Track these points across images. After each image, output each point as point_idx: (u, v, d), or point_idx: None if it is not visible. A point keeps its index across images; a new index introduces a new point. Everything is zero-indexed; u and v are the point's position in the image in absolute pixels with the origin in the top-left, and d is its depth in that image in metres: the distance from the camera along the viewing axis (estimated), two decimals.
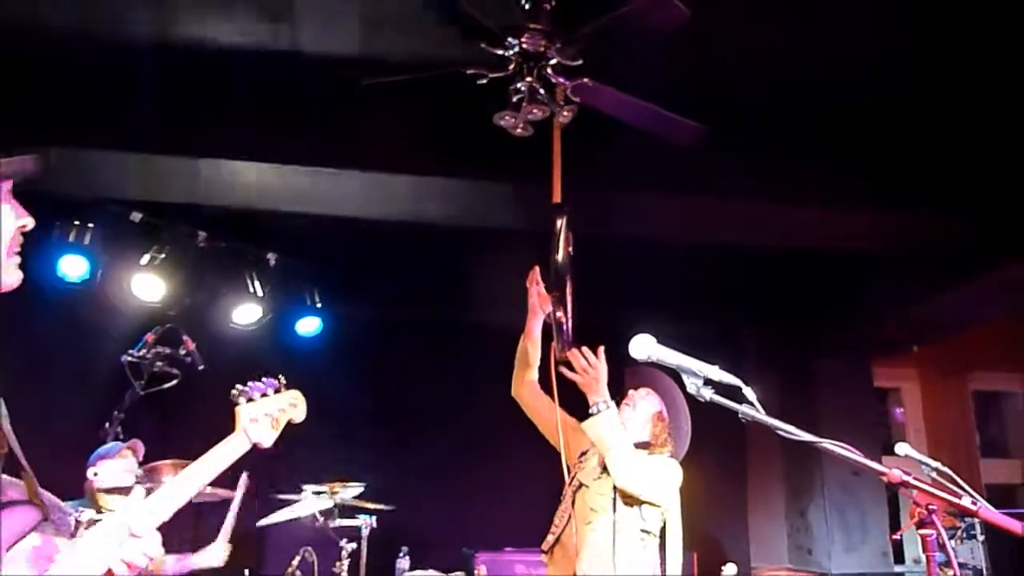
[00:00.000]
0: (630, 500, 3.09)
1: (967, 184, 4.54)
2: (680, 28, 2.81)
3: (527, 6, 3.07)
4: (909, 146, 4.45)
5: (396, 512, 5.32)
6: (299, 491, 4.37)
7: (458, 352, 6.15)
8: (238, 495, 3.98)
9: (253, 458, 1.95)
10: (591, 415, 2.96)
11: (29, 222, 1.42)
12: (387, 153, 4.17)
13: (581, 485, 3.27)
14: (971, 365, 7.74)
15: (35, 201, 1.52)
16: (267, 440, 1.93)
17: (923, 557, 1.50)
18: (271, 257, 5.65)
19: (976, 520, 5.43)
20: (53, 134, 3.90)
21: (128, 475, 2.85)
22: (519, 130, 3.20)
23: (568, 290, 2.97)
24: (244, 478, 3.96)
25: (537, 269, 3.16)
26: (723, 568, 4.54)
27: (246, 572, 4.67)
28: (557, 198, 3.17)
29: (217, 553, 3.96)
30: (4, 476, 1.45)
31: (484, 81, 3.18)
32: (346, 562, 4.90)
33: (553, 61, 3.10)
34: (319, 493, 4.32)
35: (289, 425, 2.02)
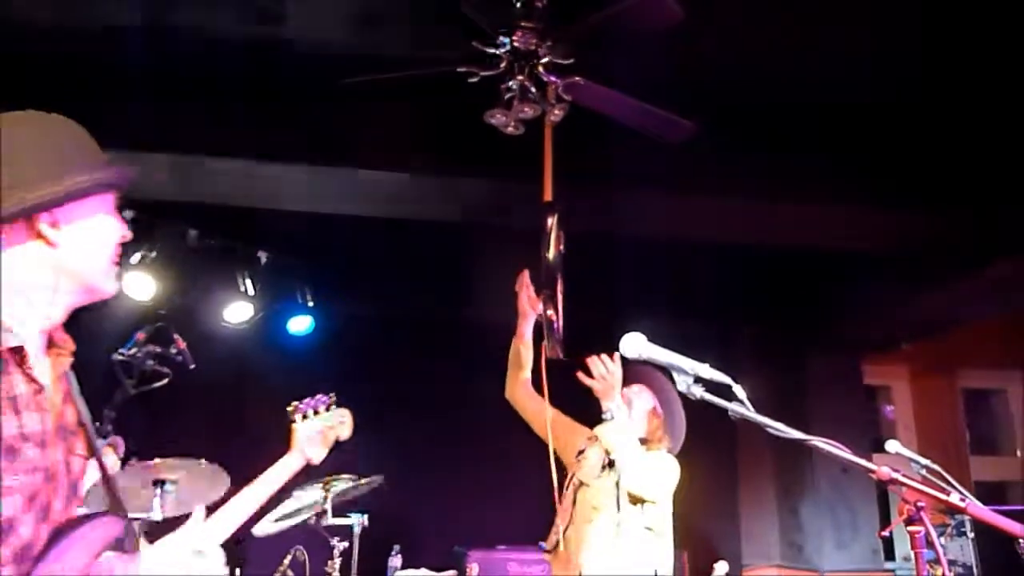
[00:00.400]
0: (634, 498, 3.12)
1: (958, 184, 4.56)
2: (673, 26, 2.82)
3: (518, 4, 3.07)
4: (901, 146, 4.47)
5: (388, 511, 5.31)
6: (289, 495, 4.36)
7: (450, 350, 6.15)
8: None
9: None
10: (604, 420, 3.02)
11: (128, 234, 1.44)
12: (378, 151, 4.16)
13: (581, 484, 3.29)
14: (961, 363, 7.79)
15: None
16: (318, 457, 1.98)
17: (912, 554, 1.51)
18: (262, 255, 5.63)
19: (966, 517, 5.46)
20: None
21: None
22: (510, 128, 3.20)
23: (559, 288, 2.97)
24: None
25: (527, 272, 3.15)
26: (715, 565, 4.54)
27: (237, 571, 4.66)
28: (548, 196, 3.17)
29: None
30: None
31: (475, 79, 3.17)
32: (338, 561, 4.89)
33: (545, 59, 3.10)
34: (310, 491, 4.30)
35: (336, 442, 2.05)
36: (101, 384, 4.09)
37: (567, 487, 3.35)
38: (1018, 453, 8.07)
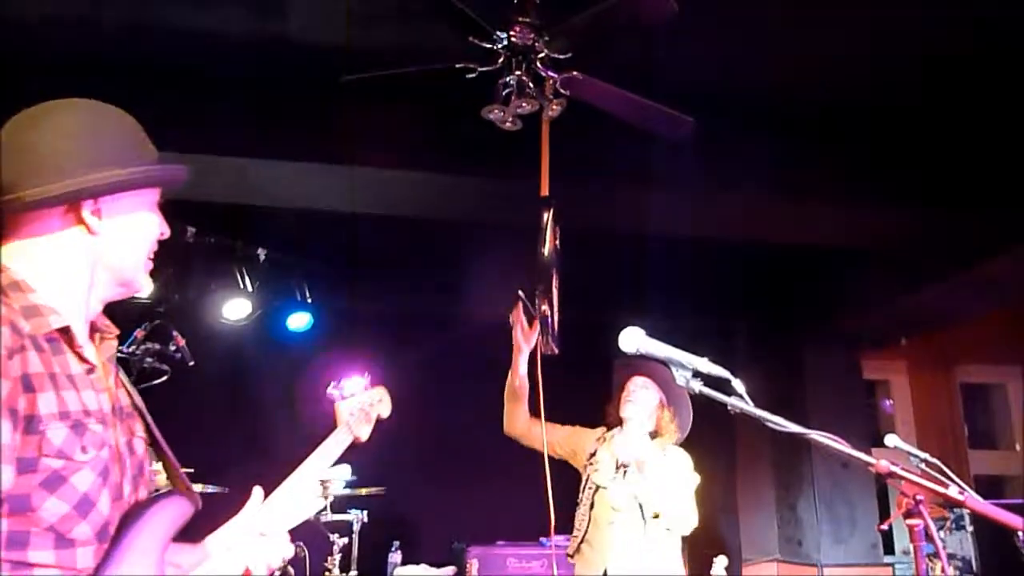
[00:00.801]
0: (656, 499, 3.25)
1: (957, 181, 4.56)
2: (670, 20, 2.81)
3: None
4: (899, 143, 4.47)
5: (388, 507, 5.32)
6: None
7: (449, 346, 6.15)
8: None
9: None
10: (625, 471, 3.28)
11: (167, 232, 1.43)
12: (376, 147, 4.16)
13: (598, 487, 3.33)
14: (959, 358, 7.80)
15: None
16: (364, 434, 2.00)
17: (913, 556, 1.51)
18: (261, 252, 5.63)
19: (965, 511, 5.47)
20: None
21: None
22: (508, 124, 3.19)
23: (554, 284, 2.97)
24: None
25: (520, 306, 3.17)
26: (714, 560, 4.54)
27: None
28: (545, 192, 3.17)
29: None
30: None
31: (473, 75, 3.17)
32: (337, 557, 4.90)
33: (542, 54, 3.09)
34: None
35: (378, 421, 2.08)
36: None
37: (583, 490, 3.39)
38: (1017, 447, 8.08)
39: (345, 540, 4.94)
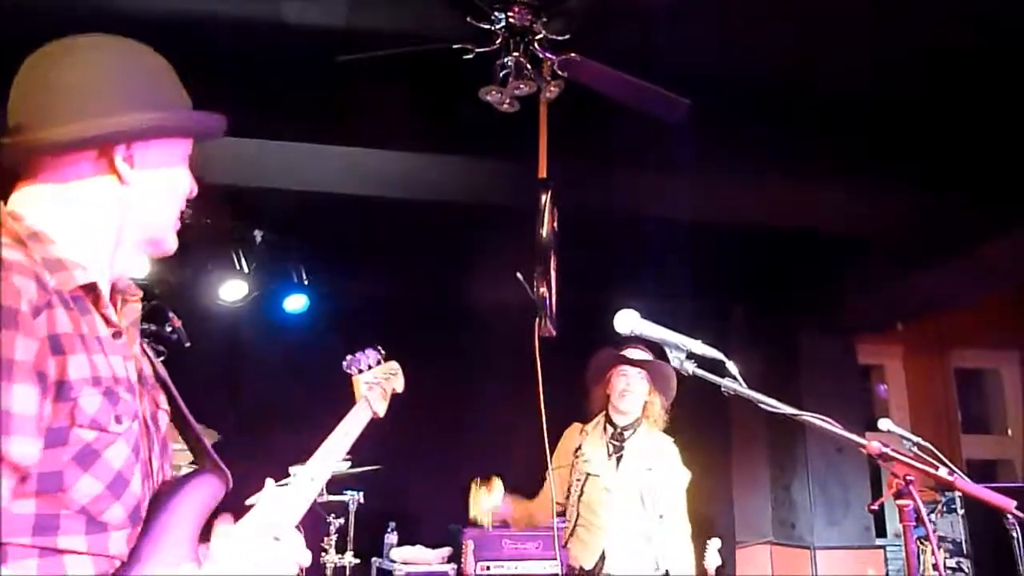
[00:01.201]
0: (663, 493, 3.41)
1: (953, 166, 4.56)
2: (669, 3, 2.80)
3: None
4: (896, 128, 4.46)
5: (384, 488, 5.34)
6: (287, 473, 4.38)
7: (446, 328, 6.16)
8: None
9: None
10: None
11: (196, 190, 1.30)
12: (373, 129, 4.14)
13: (588, 476, 3.38)
14: (954, 343, 7.82)
15: None
16: (381, 409, 1.94)
17: (903, 537, 1.52)
18: (257, 234, 5.62)
19: (956, 494, 5.51)
20: None
21: None
22: (505, 105, 3.18)
23: (552, 266, 2.98)
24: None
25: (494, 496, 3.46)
26: (708, 542, 4.58)
27: None
28: (543, 173, 3.16)
29: None
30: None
31: (470, 56, 3.15)
32: (334, 538, 4.93)
33: (540, 35, 3.08)
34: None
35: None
36: None
37: (572, 484, 3.46)
38: (1009, 432, 8.13)
39: (341, 521, 4.98)
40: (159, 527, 1.13)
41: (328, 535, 4.89)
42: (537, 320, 3.00)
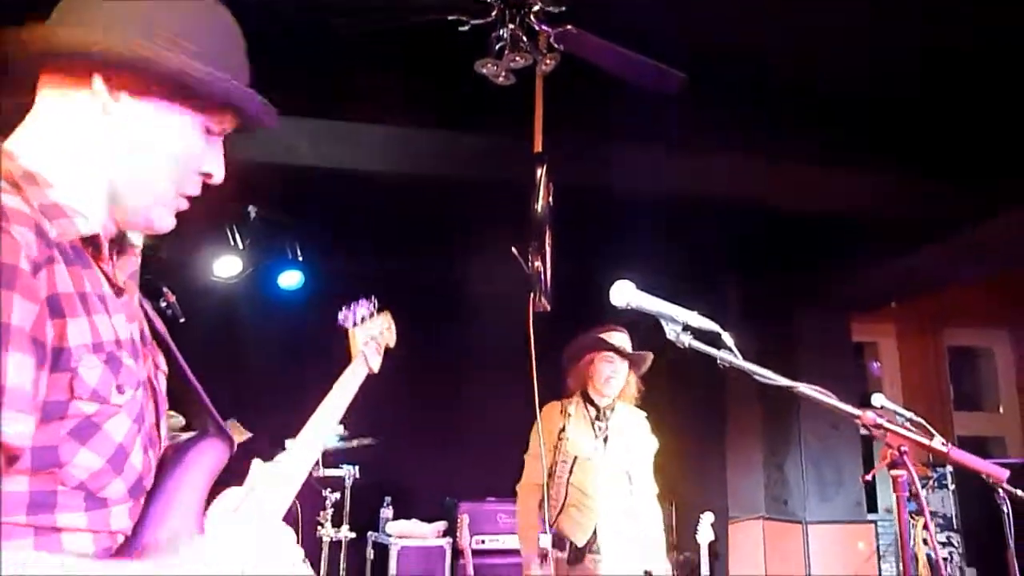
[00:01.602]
0: (640, 465, 3.63)
1: (946, 146, 4.56)
2: None
3: None
4: (890, 109, 4.44)
5: (379, 462, 5.36)
6: (282, 447, 4.39)
7: (441, 304, 6.16)
8: None
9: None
10: None
11: (218, 174, 1.21)
12: (367, 103, 4.10)
13: (577, 458, 3.46)
14: (947, 321, 7.86)
15: None
16: (376, 365, 1.89)
17: (896, 507, 1.53)
18: (252, 210, 5.60)
19: (947, 470, 5.56)
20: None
21: None
22: (501, 78, 3.15)
23: (547, 240, 2.97)
24: None
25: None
26: (701, 517, 4.63)
27: None
28: (538, 147, 3.14)
29: None
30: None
31: (465, 28, 3.12)
32: (330, 512, 4.95)
33: (536, 7, 3.04)
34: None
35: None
36: None
37: (556, 464, 3.52)
38: (1001, 410, 8.19)
39: (337, 495, 5.00)
40: (164, 497, 1.06)
41: (324, 509, 4.91)
42: (532, 295, 3.00)
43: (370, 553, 5.53)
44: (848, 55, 4.03)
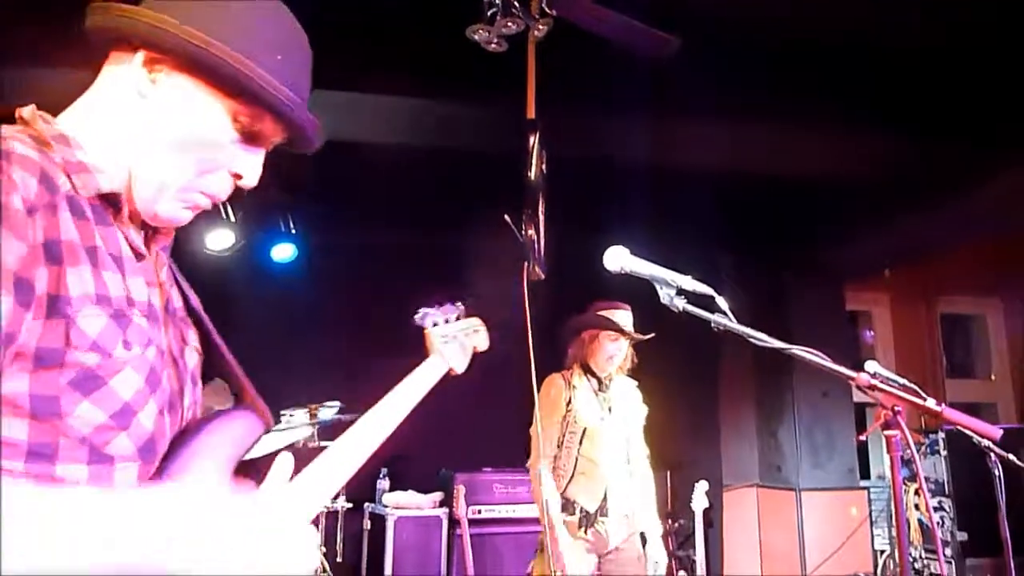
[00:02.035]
0: (636, 431, 3.77)
1: (940, 112, 4.53)
2: None
3: None
4: (884, 73, 4.41)
5: None
6: (278, 419, 4.40)
7: (434, 276, 6.13)
8: None
9: None
10: None
11: (251, 176, 1.20)
12: (357, 72, 4.06)
13: (586, 429, 3.53)
14: (940, 289, 7.89)
15: None
16: (460, 365, 1.89)
17: (888, 474, 1.54)
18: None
19: (939, 436, 5.61)
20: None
21: None
22: (493, 45, 3.11)
23: (540, 209, 2.95)
24: None
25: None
26: (695, 485, 4.67)
27: None
28: (531, 114, 3.12)
29: None
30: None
31: None
32: None
33: None
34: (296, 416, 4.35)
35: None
36: None
37: (565, 435, 3.59)
38: (993, 377, 8.26)
39: None
40: (179, 462, 1.04)
41: None
42: (525, 263, 2.99)
43: (367, 524, 5.56)
44: (842, 19, 3.99)
